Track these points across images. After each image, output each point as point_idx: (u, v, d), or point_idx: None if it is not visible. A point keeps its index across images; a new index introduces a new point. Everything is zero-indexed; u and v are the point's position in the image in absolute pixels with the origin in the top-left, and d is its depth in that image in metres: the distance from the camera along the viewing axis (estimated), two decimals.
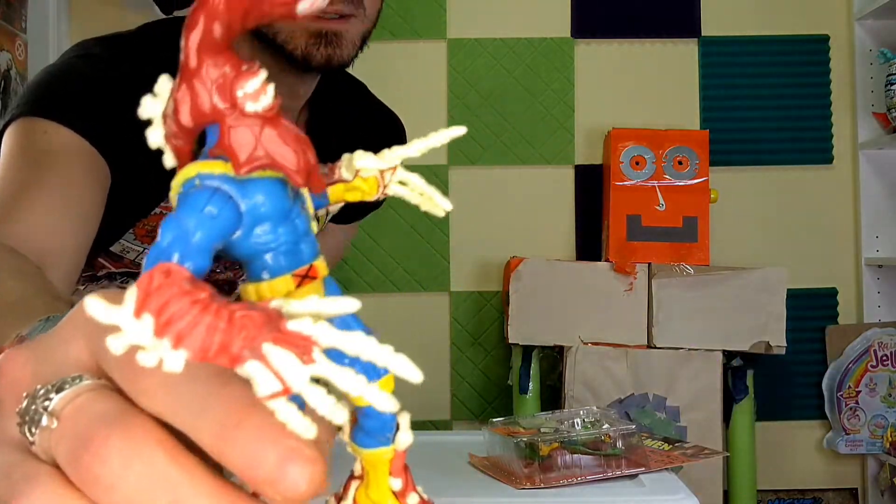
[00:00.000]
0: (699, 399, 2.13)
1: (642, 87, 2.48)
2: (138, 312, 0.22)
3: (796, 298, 2.28)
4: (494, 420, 1.25)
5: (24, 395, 0.26)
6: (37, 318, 0.42)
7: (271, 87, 0.26)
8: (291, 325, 0.23)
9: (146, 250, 1.00)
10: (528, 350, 2.22)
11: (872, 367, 2.37)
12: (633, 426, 1.17)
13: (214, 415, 0.23)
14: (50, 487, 0.24)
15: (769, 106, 2.46)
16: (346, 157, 0.32)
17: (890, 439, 2.29)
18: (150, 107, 0.26)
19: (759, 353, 2.15)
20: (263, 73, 0.26)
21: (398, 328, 2.41)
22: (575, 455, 1.13)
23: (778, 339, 2.14)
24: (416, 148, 0.32)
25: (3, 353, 0.30)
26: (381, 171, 0.33)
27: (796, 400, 2.43)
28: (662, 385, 2.14)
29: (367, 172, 0.33)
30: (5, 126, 0.86)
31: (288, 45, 0.89)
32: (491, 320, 2.43)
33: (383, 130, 1.23)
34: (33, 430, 0.25)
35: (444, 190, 2.43)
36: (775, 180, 2.47)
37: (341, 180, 0.32)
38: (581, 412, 1.24)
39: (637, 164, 2.24)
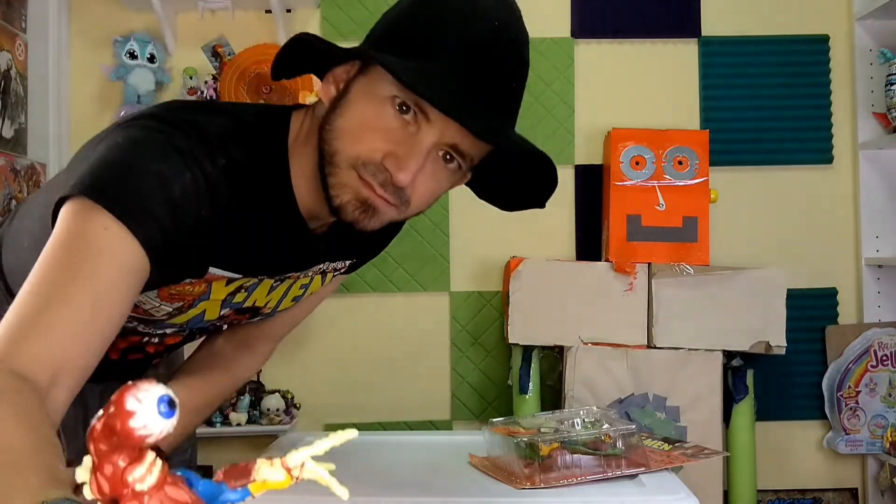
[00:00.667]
0: (699, 399, 2.13)
1: (642, 87, 2.48)
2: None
3: (796, 298, 2.28)
4: (494, 420, 1.25)
5: None
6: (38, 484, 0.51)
7: (157, 465, 0.36)
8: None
9: (161, 305, 1.01)
10: (528, 350, 2.22)
11: (872, 367, 2.37)
12: (633, 426, 1.17)
13: None
14: None
15: (769, 106, 2.45)
16: (257, 467, 0.43)
17: (890, 439, 2.29)
18: (81, 474, 0.37)
19: (759, 353, 2.15)
20: (150, 457, 0.36)
21: (398, 328, 2.41)
22: (575, 455, 1.13)
23: (778, 339, 2.14)
24: (316, 448, 0.42)
25: None
26: (290, 470, 0.43)
27: (796, 400, 2.43)
28: (662, 385, 2.14)
29: (273, 476, 0.43)
30: (68, 196, 0.83)
31: (332, 190, 0.92)
32: (491, 320, 2.43)
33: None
34: None
35: None
36: (775, 180, 2.47)
37: (253, 480, 0.43)
38: (581, 412, 1.24)
39: (637, 164, 2.24)
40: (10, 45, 2.16)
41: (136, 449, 0.36)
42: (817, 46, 2.48)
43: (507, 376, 2.36)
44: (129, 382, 0.36)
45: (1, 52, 2.12)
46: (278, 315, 1.19)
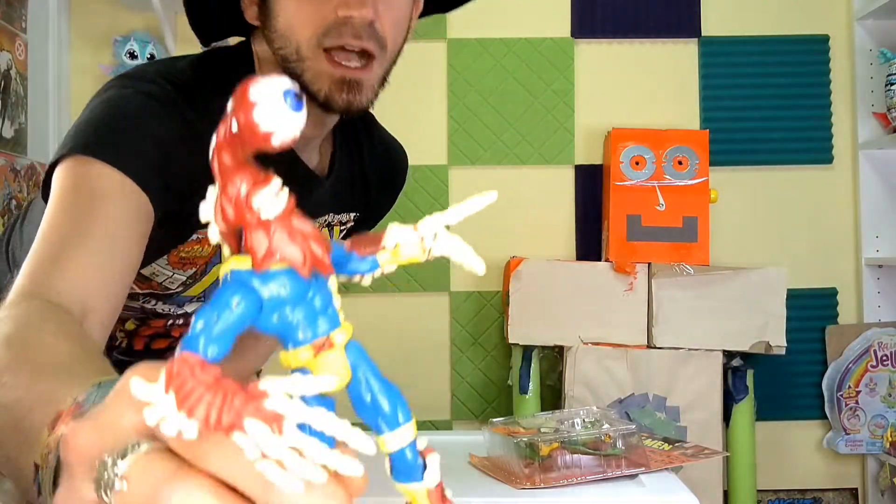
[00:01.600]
0: (699, 399, 2.13)
1: (642, 87, 2.48)
2: (166, 390, 0.29)
3: (796, 298, 2.28)
4: (494, 420, 1.25)
5: (97, 463, 0.32)
6: (88, 382, 0.46)
7: (284, 193, 0.32)
8: (269, 404, 0.29)
9: (175, 275, 1.01)
10: (528, 350, 2.22)
11: (872, 367, 2.37)
12: (633, 426, 1.17)
13: (259, 478, 0.29)
14: None
15: (769, 106, 2.46)
16: (388, 230, 0.37)
17: (890, 439, 2.29)
18: (205, 211, 0.33)
19: (759, 353, 2.15)
20: (276, 182, 0.32)
21: (398, 328, 2.41)
22: (575, 455, 1.13)
23: (778, 339, 2.14)
24: (451, 216, 0.38)
25: (68, 426, 0.38)
26: (423, 239, 0.38)
27: (796, 400, 2.43)
28: (662, 385, 2.14)
29: (405, 243, 0.38)
30: (59, 159, 0.86)
31: (312, 86, 0.92)
32: (491, 320, 2.43)
33: (391, 163, 1.27)
34: (108, 493, 0.31)
35: (444, 190, 2.43)
36: (775, 180, 2.47)
37: (384, 248, 0.38)
38: (581, 412, 1.24)
39: (637, 164, 2.24)
40: (10, 45, 2.16)
41: (260, 172, 0.32)
42: (817, 46, 2.48)
43: (507, 376, 2.36)
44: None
45: (1, 52, 2.12)
46: None
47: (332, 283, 0.34)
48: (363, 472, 0.30)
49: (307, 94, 0.93)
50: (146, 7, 2.31)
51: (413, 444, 0.36)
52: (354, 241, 0.38)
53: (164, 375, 0.29)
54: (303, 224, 0.32)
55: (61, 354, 0.60)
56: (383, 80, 0.98)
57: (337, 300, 0.34)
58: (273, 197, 0.32)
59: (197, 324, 0.30)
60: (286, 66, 0.94)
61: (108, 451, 0.32)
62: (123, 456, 0.31)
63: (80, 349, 0.63)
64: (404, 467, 0.36)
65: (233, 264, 0.32)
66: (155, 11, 2.28)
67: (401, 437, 0.36)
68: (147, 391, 0.29)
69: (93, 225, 0.80)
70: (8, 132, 2.13)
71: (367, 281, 0.38)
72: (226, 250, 0.34)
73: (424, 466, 0.36)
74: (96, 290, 0.78)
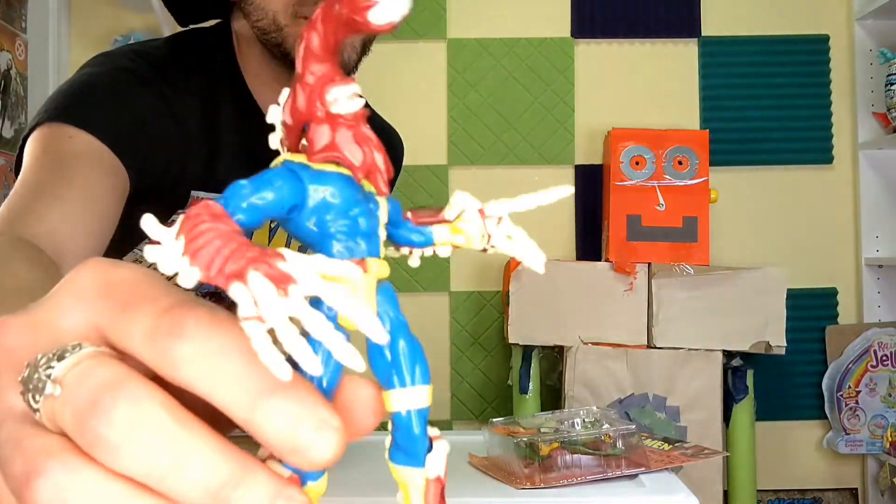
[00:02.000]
0: (699, 399, 2.13)
1: (642, 87, 2.48)
2: (178, 234, 0.25)
3: (796, 298, 2.28)
4: (494, 420, 1.25)
5: (26, 364, 0.26)
6: None
7: (360, 100, 0.29)
8: (282, 264, 0.25)
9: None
10: (528, 350, 2.22)
11: (872, 367, 2.37)
12: (633, 426, 1.17)
13: (246, 386, 0.25)
14: (65, 459, 0.24)
15: (769, 106, 2.46)
16: (452, 199, 0.33)
17: (890, 439, 2.29)
18: (274, 113, 0.30)
19: (759, 353, 2.15)
20: (355, 85, 0.29)
21: None
22: (575, 455, 1.13)
23: (778, 339, 2.14)
24: (522, 203, 0.35)
25: None
26: (485, 220, 0.34)
27: (796, 400, 2.43)
28: (662, 385, 2.14)
29: (469, 217, 0.34)
30: (30, 131, 0.86)
31: (293, 51, 0.92)
32: (491, 320, 2.43)
33: (387, 148, 1.25)
34: (37, 398, 0.25)
35: (444, 190, 2.43)
36: (775, 180, 2.47)
37: (444, 220, 0.34)
38: (581, 412, 1.24)
39: (637, 164, 2.24)
40: (10, 45, 2.16)
41: (341, 71, 0.29)
42: (817, 46, 2.48)
43: (507, 376, 2.36)
44: None
45: (1, 52, 2.12)
46: None
47: (383, 210, 0.31)
48: (364, 368, 0.27)
49: (288, 62, 0.94)
50: (146, 7, 2.31)
51: (424, 414, 0.31)
52: (412, 210, 0.34)
53: (180, 220, 0.25)
54: (371, 133, 0.29)
55: (27, 280, 0.57)
56: (364, 46, 0.97)
57: (382, 232, 0.30)
58: (349, 95, 0.29)
59: (229, 190, 0.27)
60: (265, 38, 0.94)
61: (41, 352, 0.26)
62: (60, 357, 0.26)
63: (48, 278, 0.59)
64: (407, 442, 0.31)
65: (287, 157, 0.29)
66: (155, 11, 2.28)
67: (412, 397, 0.31)
68: (157, 230, 0.25)
69: (66, 179, 0.80)
70: (8, 132, 2.13)
71: (414, 260, 0.34)
72: (284, 153, 0.30)
73: (430, 450, 0.31)
74: (71, 237, 0.77)
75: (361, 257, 0.30)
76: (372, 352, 0.32)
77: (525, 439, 1.12)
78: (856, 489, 2.45)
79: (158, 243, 0.25)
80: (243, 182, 0.27)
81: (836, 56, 2.48)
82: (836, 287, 2.46)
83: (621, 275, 2.18)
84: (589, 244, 2.41)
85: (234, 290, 0.24)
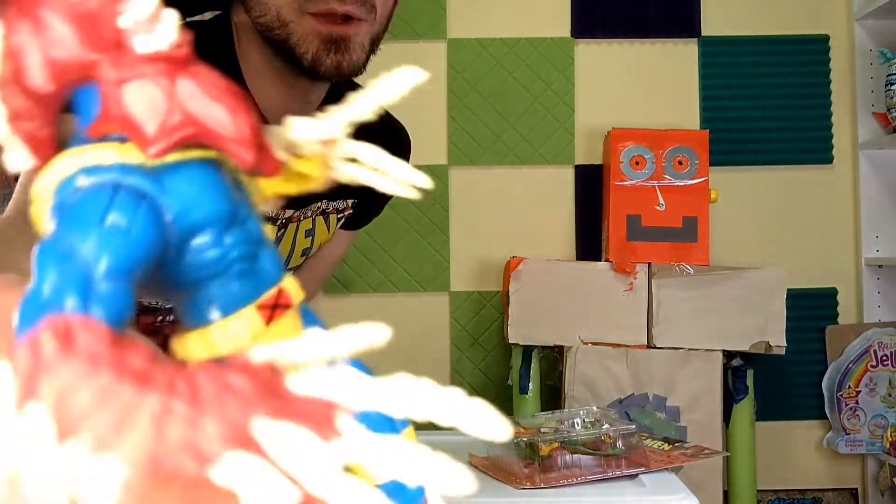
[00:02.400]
0: (699, 399, 2.13)
1: (642, 87, 2.48)
2: (21, 404, 0.13)
3: (796, 298, 2.28)
4: None
5: None
6: None
7: (171, 13, 0.18)
8: (296, 386, 0.15)
9: None
10: (528, 350, 2.22)
11: (872, 367, 2.37)
12: (633, 426, 1.17)
13: None
14: None
15: (769, 106, 2.45)
16: (273, 129, 0.22)
17: (890, 439, 2.29)
18: None
19: (759, 353, 2.15)
20: None
21: (398, 328, 2.40)
22: (575, 455, 1.13)
23: (778, 339, 2.14)
24: (360, 103, 0.23)
25: None
26: (326, 146, 0.23)
27: (796, 400, 2.43)
28: (662, 385, 2.13)
29: (308, 148, 0.22)
30: None
31: (298, 48, 0.88)
32: (491, 320, 2.43)
33: (392, 142, 1.19)
34: None
35: (445, 190, 2.43)
36: (775, 180, 2.47)
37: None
38: (581, 412, 1.24)
39: (637, 164, 2.24)
40: None
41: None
42: (817, 46, 2.48)
43: (507, 376, 2.36)
44: None
45: None
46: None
47: (260, 195, 0.21)
48: None
49: (293, 60, 0.89)
50: None
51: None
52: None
53: (9, 377, 0.14)
54: (221, 79, 0.17)
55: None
56: (373, 45, 0.92)
57: (269, 230, 0.21)
58: (155, 12, 0.17)
59: (46, 275, 0.15)
60: (268, 35, 0.89)
61: None
62: None
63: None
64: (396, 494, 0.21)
65: (78, 158, 0.16)
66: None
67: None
68: None
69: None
70: None
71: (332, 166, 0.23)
72: (18, 155, 0.17)
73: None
74: None
75: (275, 283, 0.19)
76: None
77: (525, 439, 1.12)
78: (856, 489, 2.45)
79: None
80: (71, 244, 0.15)
81: (836, 56, 2.48)
82: (836, 287, 2.46)
83: (621, 275, 2.18)
84: (589, 244, 2.41)
85: (240, 472, 0.14)
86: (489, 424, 0.16)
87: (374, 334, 0.17)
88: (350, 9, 0.86)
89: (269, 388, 0.14)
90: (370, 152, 0.24)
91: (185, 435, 0.13)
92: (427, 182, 0.24)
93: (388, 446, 0.15)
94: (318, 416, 0.14)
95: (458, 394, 0.16)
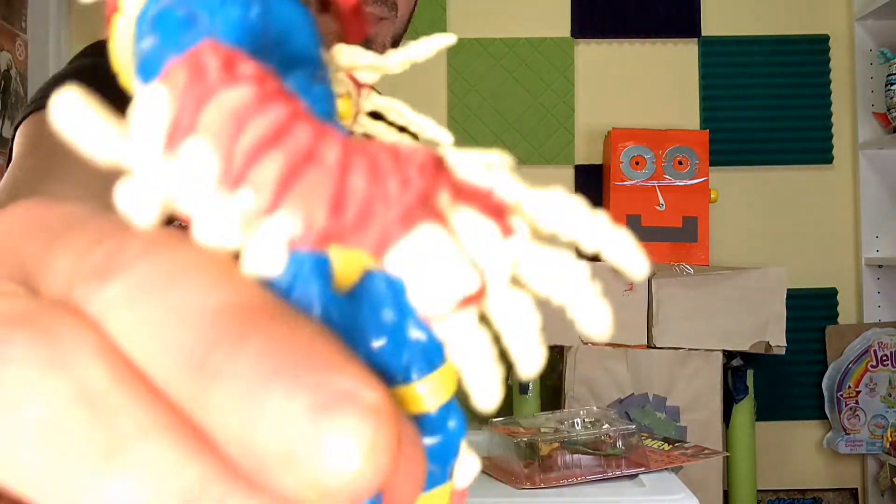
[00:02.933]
0: (699, 399, 2.13)
1: (642, 87, 2.48)
2: (177, 134, 0.12)
3: (796, 298, 2.28)
4: (494, 420, 1.25)
5: None
6: None
7: None
8: (472, 176, 0.14)
9: None
10: None
11: (872, 367, 2.37)
12: (633, 426, 1.17)
13: (198, 346, 0.13)
14: None
15: (769, 106, 2.46)
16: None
17: (890, 439, 2.29)
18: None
19: (759, 353, 2.15)
20: None
21: None
22: (575, 455, 1.13)
23: (778, 339, 2.14)
24: (397, 58, 0.21)
25: None
26: (359, 91, 0.20)
27: (796, 400, 2.43)
28: (662, 385, 2.14)
29: (343, 87, 0.20)
30: (20, 122, 0.85)
31: None
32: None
33: None
34: None
35: None
36: (775, 180, 2.47)
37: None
38: (581, 412, 1.24)
39: (637, 164, 2.24)
40: (10, 45, 2.16)
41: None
42: (817, 46, 2.48)
43: (507, 376, 2.36)
44: None
45: (1, 52, 2.12)
46: None
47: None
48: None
49: None
50: None
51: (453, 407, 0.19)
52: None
53: (162, 100, 0.12)
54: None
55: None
56: (395, 44, 0.92)
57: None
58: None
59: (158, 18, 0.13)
60: None
61: None
62: None
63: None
64: (439, 451, 0.19)
65: None
66: None
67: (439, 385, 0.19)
68: (107, 136, 0.12)
69: (58, 171, 0.76)
70: (8, 132, 2.13)
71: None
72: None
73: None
74: None
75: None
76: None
77: (525, 439, 1.12)
78: (856, 489, 2.45)
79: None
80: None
81: (836, 56, 2.48)
82: (836, 287, 2.46)
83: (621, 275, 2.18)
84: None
85: (426, 242, 0.12)
86: (633, 256, 0.15)
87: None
88: (372, 8, 0.87)
89: (445, 171, 0.13)
90: (400, 107, 0.22)
91: (368, 197, 0.11)
92: (450, 139, 0.21)
93: (559, 257, 0.14)
94: (494, 211, 0.13)
95: (606, 219, 0.15)
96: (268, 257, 0.11)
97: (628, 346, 2.15)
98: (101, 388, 0.13)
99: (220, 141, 0.11)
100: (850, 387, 2.37)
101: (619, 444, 1.13)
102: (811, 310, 2.42)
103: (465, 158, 0.14)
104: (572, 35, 2.48)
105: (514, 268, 0.13)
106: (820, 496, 2.44)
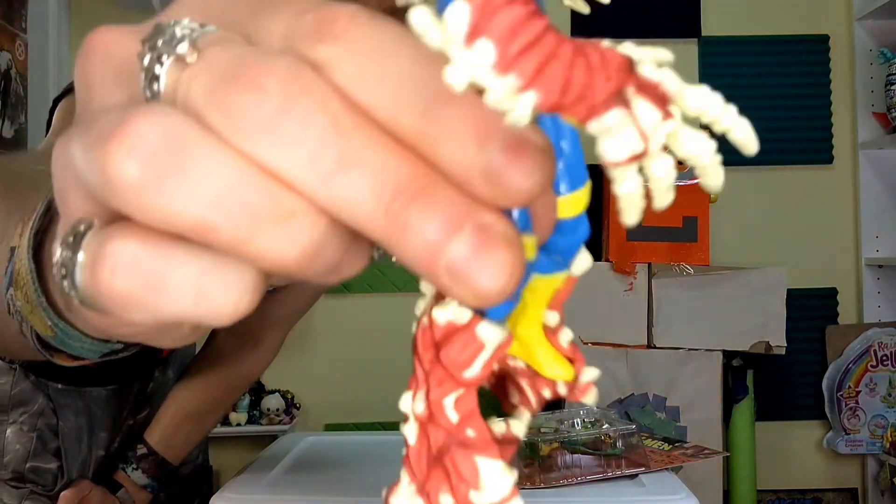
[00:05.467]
0: (699, 399, 2.13)
1: None
2: (473, 35, 0.17)
3: (796, 298, 2.28)
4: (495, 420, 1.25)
5: (153, 26, 0.21)
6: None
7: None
8: (648, 73, 0.18)
9: None
10: None
11: (872, 367, 2.37)
12: (633, 426, 1.17)
13: (418, 89, 0.18)
14: (170, 114, 0.18)
15: (769, 106, 2.46)
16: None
17: (890, 439, 2.29)
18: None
19: (758, 353, 2.15)
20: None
21: (398, 328, 2.41)
22: (575, 455, 1.13)
23: (778, 339, 2.14)
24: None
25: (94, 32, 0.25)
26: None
27: (796, 400, 2.43)
28: (662, 385, 2.14)
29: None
30: (58, 99, 0.86)
31: None
32: None
33: None
34: (163, 60, 0.19)
35: None
36: (775, 180, 2.47)
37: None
38: (581, 412, 1.24)
39: None
40: (10, 45, 2.16)
41: None
42: (817, 46, 2.48)
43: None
44: None
45: (1, 52, 2.12)
46: (285, 291, 1.13)
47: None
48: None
49: None
50: (146, 7, 2.31)
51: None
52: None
53: (464, 6, 0.17)
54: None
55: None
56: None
57: None
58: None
59: None
60: None
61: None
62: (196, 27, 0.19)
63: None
64: (567, 245, 0.25)
65: None
66: (155, 12, 2.28)
67: (578, 200, 0.25)
68: (435, 33, 0.17)
69: None
70: (8, 132, 2.13)
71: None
72: None
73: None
74: None
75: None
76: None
77: (525, 439, 1.12)
78: (856, 489, 2.45)
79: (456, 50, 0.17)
80: None
81: (836, 56, 2.48)
82: (836, 287, 2.46)
83: (621, 275, 2.18)
84: (589, 244, 2.39)
85: (615, 120, 0.18)
86: (748, 135, 0.20)
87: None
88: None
89: (631, 68, 0.18)
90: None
91: (586, 83, 0.17)
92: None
93: (696, 133, 0.19)
94: (660, 99, 0.18)
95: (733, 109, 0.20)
96: (520, 116, 0.17)
97: (628, 346, 2.15)
98: (339, 111, 0.18)
99: (501, 41, 0.17)
100: (850, 387, 2.37)
101: (619, 444, 1.13)
102: (811, 310, 2.42)
103: (645, 56, 0.19)
104: (572, 35, 2.47)
105: (669, 139, 0.19)
106: (820, 496, 2.44)
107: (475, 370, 0.22)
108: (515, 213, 0.21)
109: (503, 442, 0.25)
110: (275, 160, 0.18)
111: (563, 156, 0.24)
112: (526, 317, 0.25)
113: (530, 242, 0.22)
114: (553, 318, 0.26)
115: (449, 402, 0.22)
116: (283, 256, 0.18)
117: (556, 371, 0.26)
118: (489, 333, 0.21)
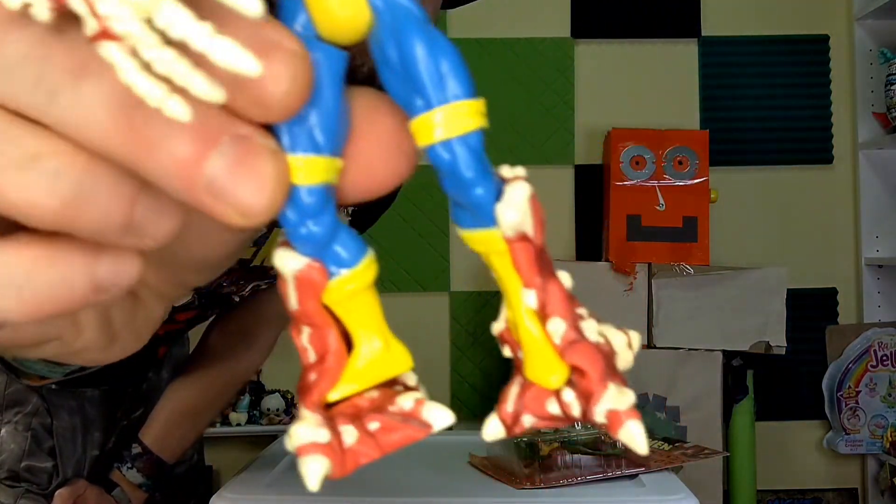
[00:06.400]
0: (699, 399, 2.13)
1: (642, 87, 2.48)
2: None
3: (796, 298, 2.28)
4: None
5: None
6: None
7: None
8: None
9: None
10: None
11: (872, 367, 2.37)
12: None
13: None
14: None
15: (769, 106, 2.46)
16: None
17: (890, 439, 2.29)
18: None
19: (759, 353, 2.15)
20: None
21: (398, 328, 2.39)
22: (575, 455, 1.13)
23: (778, 339, 2.14)
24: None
25: None
26: None
27: (796, 400, 2.43)
28: (662, 385, 2.14)
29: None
30: None
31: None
32: (491, 320, 2.41)
33: None
34: None
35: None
36: (775, 180, 2.47)
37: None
38: None
39: (637, 164, 2.24)
40: None
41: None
42: (817, 46, 2.48)
43: (507, 376, 2.36)
44: None
45: None
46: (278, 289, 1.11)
47: None
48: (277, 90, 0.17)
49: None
50: None
51: (471, 143, 0.21)
52: None
53: None
54: None
55: None
56: None
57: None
58: None
59: None
60: None
61: None
62: None
63: None
64: (460, 192, 0.21)
65: None
66: None
67: (455, 118, 0.20)
68: None
69: None
70: None
71: None
72: None
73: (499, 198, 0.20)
74: None
75: None
76: (382, 70, 0.20)
77: (525, 439, 1.12)
78: (856, 489, 2.45)
79: None
80: None
81: (836, 56, 2.48)
82: (836, 287, 2.46)
83: (621, 275, 2.18)
84: (589, 244, 2.41)
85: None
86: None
87: None
88: None
89: None
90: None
91: None
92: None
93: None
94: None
95: None
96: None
97: None
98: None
99: None
100: (850, 387, 2.37)
101: (619, 444, 1.13)
102: (811, 310, 2.42)
103: None
104: (572, 35, 2.48)
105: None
106: (820, 496, 2.44)
107: (292, 307, 0.21)
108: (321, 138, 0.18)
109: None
110: None
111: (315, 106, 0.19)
112: (506, 295, 0.22)
113: (332, 164, 0.19)
114: (530, 298, 0.22)
115: (304, 340, 0.21)
116: (42, 206, 0.16)
117: (552, 378, 0.22)
118: (281, 261, 0.20)
